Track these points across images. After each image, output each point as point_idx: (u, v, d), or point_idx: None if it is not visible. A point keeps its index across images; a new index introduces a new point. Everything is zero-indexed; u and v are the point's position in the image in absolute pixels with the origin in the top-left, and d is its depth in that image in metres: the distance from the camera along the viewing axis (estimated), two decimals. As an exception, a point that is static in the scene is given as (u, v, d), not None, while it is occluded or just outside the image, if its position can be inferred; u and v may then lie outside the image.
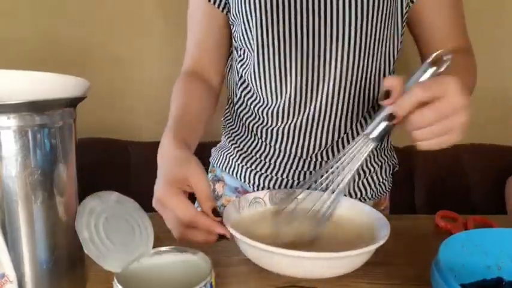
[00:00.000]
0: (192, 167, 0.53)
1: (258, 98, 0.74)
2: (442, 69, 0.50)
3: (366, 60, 0.68)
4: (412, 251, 0.58)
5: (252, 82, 0.73)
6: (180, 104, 0.67)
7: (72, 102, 0.46)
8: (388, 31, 0.69)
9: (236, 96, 0.79)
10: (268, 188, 0.76)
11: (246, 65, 0.73)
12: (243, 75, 0.75)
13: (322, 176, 0.61)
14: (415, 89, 0.48)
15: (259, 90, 0.72)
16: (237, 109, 0.79)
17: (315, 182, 0.64)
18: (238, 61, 0.75)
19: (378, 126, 0.53)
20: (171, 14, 1.27)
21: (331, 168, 0.57)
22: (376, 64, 0.69)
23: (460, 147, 1.28)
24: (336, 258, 0.48)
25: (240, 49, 0.73)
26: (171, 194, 0.51)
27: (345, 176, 0.55)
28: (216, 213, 0.53)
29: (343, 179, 0.55)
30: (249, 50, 0.71)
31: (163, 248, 0.47)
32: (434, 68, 0.50)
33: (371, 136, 0.53)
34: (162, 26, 1.27)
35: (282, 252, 0.47)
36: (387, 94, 0.51)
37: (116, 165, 1.25)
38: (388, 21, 0.68)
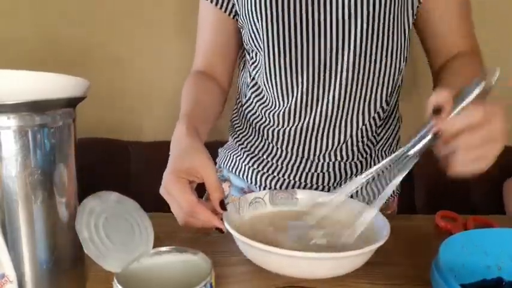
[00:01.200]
0: (202, 157, 0.55)
1: (268, 100, 0.74)
2: (492, 82, 0.50)
3: (373, 62, 0.68)
4: (412, 251, 0.58)
5: (262, 83, 0.74)
6: (191, 97, 0.69)
7: (72, 102, 0.46)
8: (396, 35, 0.68)
9: (245, 97, 0.79)
10: (275, 189, 0.77)
11: (258, 67, 0.74)
12: (255, 77, 0.75)
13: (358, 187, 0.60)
14: (471, 111, 0.47)
15: (269, 91, 0.73)
16: (245, 110, 0.80)
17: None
18: (250, 63, 0.76)
19: (420, 142, 0.51)
20: (171, 14, 1.27)
21: (368, 179, 0.57)
22: (383, 67, 0.69)
23: (460, 147, 1.28)
24: (337, 258, 0.48)
25: (252, 51, 0.74)
26: (175, 183, 0.53)
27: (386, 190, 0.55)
28: (223, 204, 0.55)
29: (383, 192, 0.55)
30: (258, 51, 0.71)
31: (163, 248, 0.47)
32: (483, 83, 0.49)
33: (412, 152, 0.51)
34: (162, 26, 1.27)
35: (281, 252, 0.47)
36: (436, 110, 0.49)
37: (116, 165, 1.25)
38: (396, 25, 0.67)
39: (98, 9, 1.25)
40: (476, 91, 0.49)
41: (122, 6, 1.25)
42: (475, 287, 0.48)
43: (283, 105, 0.72)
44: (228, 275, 0.54)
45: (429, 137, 0.49)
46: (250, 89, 0.78)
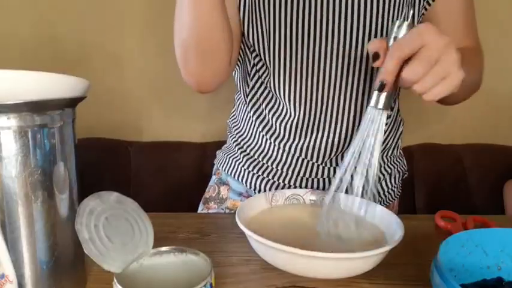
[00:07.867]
0: None
1: (268, 89, 0.74)
2: (415, 21, 0.49)
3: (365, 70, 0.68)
4: (412, 251, 0.58)
5: (266, 80, 0.73)
6: None
7: (72, 102, 0.46)
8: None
9: (248, 86, 0.77)
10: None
11: (260, 59, 0.73)
12: (256, 63, 0.74)
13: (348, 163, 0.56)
14: (393, 50, 0.48)
15: (273, 90, 0.73)
16: (247, 99, 0.78)
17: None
18: (251, 51, 0.74)
19: (379, 97, 0.52)
20: (172, 14, 1.27)
21: (353, 151, 0.54)
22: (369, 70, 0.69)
23: (460, 147, 1.28)
24: (358, 258, 0.48)
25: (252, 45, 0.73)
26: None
27: (373, 153, 0.53)
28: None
29: (372, 157, 0.53)
30: (261, 49, 0.71)
31: (163, 248, 0.47)
32: (408, 22, 0.50)
33: (379, 107, 0.52)
34: (162, 26, 1.27)
35: (301, 253, 0.46)
36: (376, 56, 0.51)
37: (116, 165, 1.25)
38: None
39: (98, 9, 1.25)
40: (403, 31, 0.50)
41: (123, 6, 1.25)
42: (475, 287, 0.48)
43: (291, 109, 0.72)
44: (228, 275, 0.54)
45: (378, 88, 0.51)
46: (252, 77, 0.76)
